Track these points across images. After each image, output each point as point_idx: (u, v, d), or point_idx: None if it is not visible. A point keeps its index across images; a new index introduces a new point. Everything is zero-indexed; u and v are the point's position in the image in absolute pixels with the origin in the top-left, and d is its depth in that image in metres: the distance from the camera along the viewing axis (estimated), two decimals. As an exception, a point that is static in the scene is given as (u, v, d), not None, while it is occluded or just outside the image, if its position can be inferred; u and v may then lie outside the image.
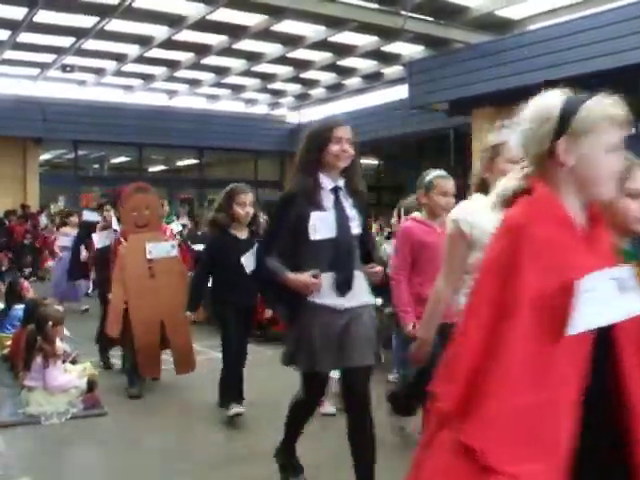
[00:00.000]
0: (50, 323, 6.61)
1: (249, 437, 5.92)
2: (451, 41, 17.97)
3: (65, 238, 13.33)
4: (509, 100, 15.26)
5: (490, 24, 17.50)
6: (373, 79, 23.11)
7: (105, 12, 16.19)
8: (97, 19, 16.66)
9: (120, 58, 20.47)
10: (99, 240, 8.90)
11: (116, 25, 17.20)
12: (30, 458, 5.54)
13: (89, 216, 11.33)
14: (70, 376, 6.62)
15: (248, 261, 6.03)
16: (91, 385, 6.61)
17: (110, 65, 21.30)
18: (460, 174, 19.70)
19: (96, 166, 27.99)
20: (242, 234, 6.49)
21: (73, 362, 7.01)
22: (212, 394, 7.36)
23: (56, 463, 5.43)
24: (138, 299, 7.39)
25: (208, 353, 9.32)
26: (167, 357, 7.87)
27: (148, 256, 7.40)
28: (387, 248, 8.06)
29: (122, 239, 7.64)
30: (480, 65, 16.00)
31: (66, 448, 5.73)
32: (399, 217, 7.58)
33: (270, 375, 7.47)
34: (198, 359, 8.92)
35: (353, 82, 23.82)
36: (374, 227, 14.06)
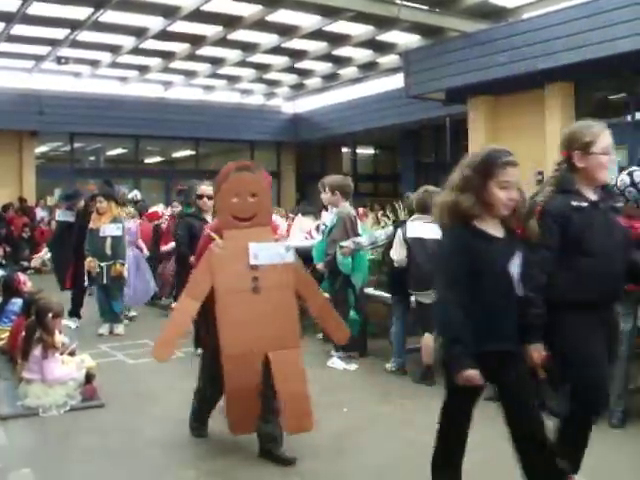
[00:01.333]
0: (50, 315, 6.62)
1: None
2: (446, 30, 17.93)
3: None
4: (504, 88, 15.47)
5: (485, 12, 17.48)
6: (368, 68, 23.06)
7: (99, 3, 16.13)
8: (91, 10, 16.60)
9: (115, 49, 20.40)
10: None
11: (111, 16, 17.14)
12: (29, 450, 5.56)
13: (63, 216, 11.35)
14: (68, 368, 6.63)
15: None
16: (89, 377, 6.62)
17: (105, 57, 21.23)
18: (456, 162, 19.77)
19: (92, 158, 27.92)
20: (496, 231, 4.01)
21: (71, 354, 7.01)
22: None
23: (55, 455, 5.44)
24: (234, 325, 5.15)
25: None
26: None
27: (252, 262, 5.17)
28: (382, 234, 8.07)
29: (213, 234, 5.36)
30: (475, 53, 16.01)
31: (65, 440, 5.74)
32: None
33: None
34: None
35: (349, 72, 23.76)
36: (371, 216, 14.04)
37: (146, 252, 11.95)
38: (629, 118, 15.47)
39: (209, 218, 7.94)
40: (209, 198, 7.71)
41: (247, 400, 5.19)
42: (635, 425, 5.73)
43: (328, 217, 9.13)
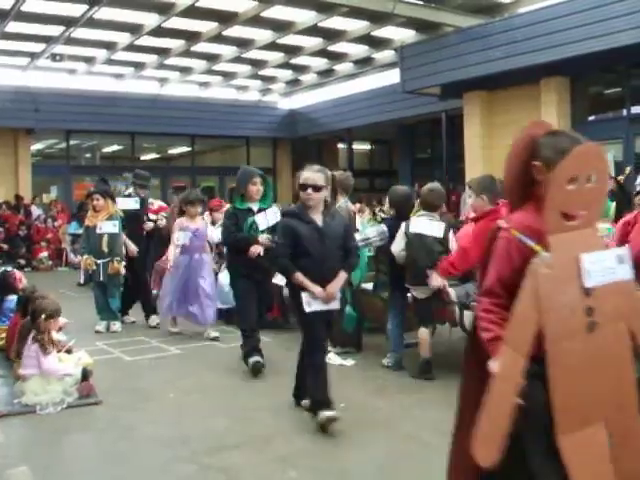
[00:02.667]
0: (43, 316, 6.60)
1: (246, 424, 5.94)
2: (442, 25, 17.92)
3: (182, 233, 9.55)
4: (500, 83, 15.50)
5: (480, 7, 17.48)
6: (364, 64, 23.05)
7: (94, 0, 16.11)
8: (86, 7, 16.56)
9: (110, 46, 20.37)
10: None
11: (105, 13, 17.11)
12: (27, 447, 5.56)
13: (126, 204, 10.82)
14: (65, 365, 6.62)
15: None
16: (86, 374, 6.61)
17: (100, 54, 21.21)
18: (452, 157, 19.81)
19: (88, 155, 27.88)
20: None
21: (68, 352, 7.01)
22: (209, 379, 7.41)
23: (52, 452, 5.44)
24: (571, 386, 3.25)
25: (204, 340, 9.37)
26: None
27: (587, 283, 3.26)
28: (372, 231, 8.09)
29: (533, 243, 3.24)
30: (471, 49, 16.03)
31: (62, 437, 5.74)
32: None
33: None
34: (195, 345, 9.01)
35: (344, 67, 23.75)
36: (367, 212, 14.06)
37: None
38: (624, 112, 15.49)
39: (318, 218, 5.86)
40: (316, 189, 5.75)
41: None
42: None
43: None
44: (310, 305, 5.66)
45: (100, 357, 8.12)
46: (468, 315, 6.91)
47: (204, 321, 9.49)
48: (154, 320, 10.45)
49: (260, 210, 7.68)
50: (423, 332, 7.28)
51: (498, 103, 17.08)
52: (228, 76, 24.93)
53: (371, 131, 26.14)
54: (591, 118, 16.60)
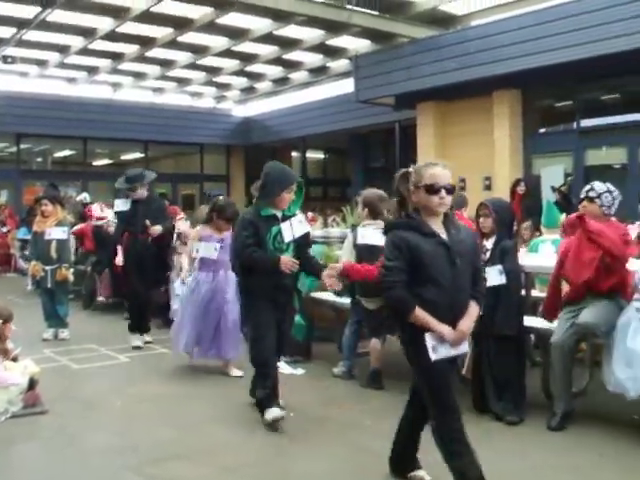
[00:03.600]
0: (0, 321, 6.50)
1: (194, 434, 5.89)
2: (396, 35, 18.07)
3: (204, 244, 7.98)
4: (453, 94, 15.67)
5: (435, 19, 17.65)
6: (319, 73, 23.15)
7: (47, 2, 15.95)
8: (39, 9, 16.41)
9: (63, 50, 20.21)
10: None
11: (59, 16, 16.97)
12: (-31, 457, 5.46)
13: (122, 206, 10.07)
14: (11, 374, 6.51)
15: None
16: (32, 383, 6.50)
17: (53, 57, 21.02)
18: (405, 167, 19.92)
19: (39, 160, 27.52)
20: None
21: (14, 360, 6.88)
22: (158, 388, 7.34)
23: (-4, 462, 5.35)
24: None
25: (154, 348, 9.29)
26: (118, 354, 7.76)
27: None
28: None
29: None
30: (425, 60, 16.13)
31: (7, 447, 5.63)
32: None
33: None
34: (145, 354, 8.92)
35: (299, 76, 23.82)
36: (319, 221, 14.05)
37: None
38: (575, 125, 15.70)
39: (440, 230, 4.30)
40: (450, 192, 4.23)
41: None
42: (575, 428, 5.80)
43: None
44: (437, 351, 4.18)
45: (47, 365, 7.99)
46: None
47: (225, 354, 7.86)
48: (134, 341, 9.38)
49: (285, 218, 6.16)
50: (374, 342, 7.29)
51: (451, 114, 17.21)
52: (182, 82, 24.86)
53: (325, 140, 26.18)
54: (542, 130, 16.79)
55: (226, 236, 7.77)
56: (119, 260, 9.64)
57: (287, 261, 5.95)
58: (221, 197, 8.14)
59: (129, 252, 9.40)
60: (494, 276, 5.93)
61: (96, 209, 13.66)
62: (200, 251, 7.89)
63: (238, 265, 6.25)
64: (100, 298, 12.63)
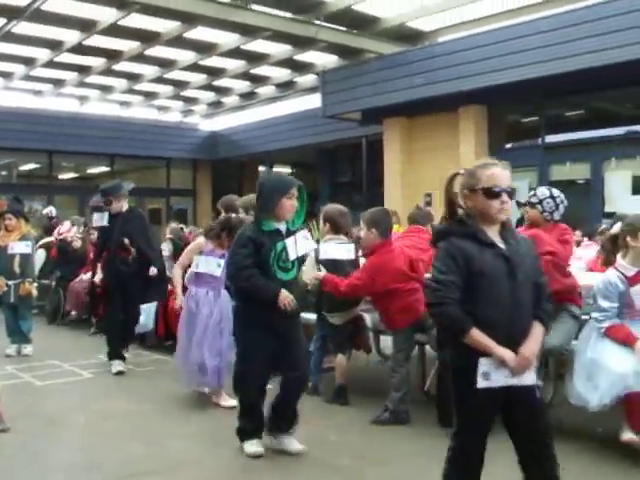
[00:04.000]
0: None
1: (159, 450, 5.84)
2: (363, 51, 18.16)
3: (204, 258, 7.27)
4: (420, 110, 15.73)
5: (402, 35, 17.76)
6: (286, 88, 23.19)
7: (13, 14, 15.83)
8: (4, 21, 16.29)
9: (29, 62, 20.07)
10: None
11: (25, 28, 16.85)
12: None
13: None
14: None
15: None
16: (-6, 399, 6.42)
17: (19, 69, 20.87)
18: (372, 182, 19.98)
19: (4, 173, 27.25)
20: None
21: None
22: (123, 404, 7.27)
23: (-44, 480, 5.26)
24: None
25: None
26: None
27: None
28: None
29: None
30: (391, 75, 16.24)
31: (-33, 464, 5.56)
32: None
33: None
34: (110, 370, 8.82)
35: (266, 90, 23.85)
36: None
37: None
38: (540, 141, 15.85)
39: (497, 240, 3.74)
40: (511, 195, 3.74)
41: None
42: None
43: None
44: (488, 378, 3.60)
45: (9, 382, 7.91)
46: (385, 340, 6.91)
47: (220, 384, 7.08)
48: (116, 366, 8.64)
49: (289, 233, 5.53)
50: (340, 358, 7.27)
51: (418, 130, 17.30)
52: (149, 96, 24.78)
53: (292, 154, 26.19)
54: (508, 146, 16.94)
55: (226, 250, 6.99)
56: (97, 279, 8.94)
57: (286, 299, 5.31)
58: (234, 215, 7.46)
59: (108, 271, 8.73)
60: None
61: (66, 225, 13.56)
62: (200, 265, 7.17)
63: (234, 288, 5.83)
64: (73, 313, 12.48)
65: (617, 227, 5.76)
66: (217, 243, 7.19)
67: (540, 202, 6.05)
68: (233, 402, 6.59)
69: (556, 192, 6.10)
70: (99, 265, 8.99)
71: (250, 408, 5.60)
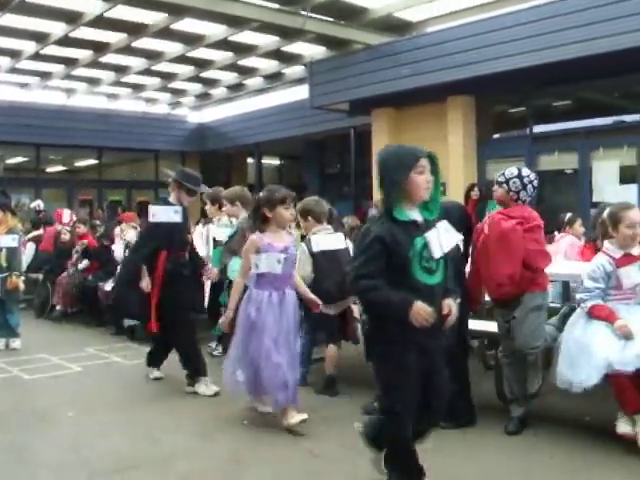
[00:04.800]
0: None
1: (148, 443, 5.83)
2: (351, 42, 18.10)
3: (265, 256, 6.05)
4: (408, 101, 15.72)
5: (389, 26, 17.70)
6: (274, 79, 23.11)
7: (-2, 6, 15.74)
8: (-11, 14, 16.19)
9: (15, 55, 19.93)
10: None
11: (10, 20, 16.71)
12: None
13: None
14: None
15: None
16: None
17: (4, 62, 20.71)
18: (361, 173, 19.97)
19: (-9, 166, 27.18)
20: None
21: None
22: (111, 398, 7.26)
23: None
24: None
25: (107, 357, 9.20)
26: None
27: None
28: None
29: None
30: (379, 66, 16.21)
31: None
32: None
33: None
34: (98, 362, 8.82)
35: (254, 82, 23.76)
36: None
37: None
38: (527, 131, 15.87)
39: None
40: None
41: None
42: (528, 431, 5.84)
43: (215, 229, 9.28)
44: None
45: (-3, 376, 7.91)
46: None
47: (294, 401, 6.11)
48: (210, 387, 7.26)
49: (428, 224, 4.22)
50: (331, 348, 7.28)
51: (406, 120, 17.29)
52: (137, 88, 24.66)
53: (280, 146, 26.15)
54: (496, 136, 16.96)
55: (289, 242, 6.19)
56: (146, 285, 7.34)
57: (422, 312, 3.93)
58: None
59: (173, 277, 7.37)
60: None
61: (66, 215, 13.55)
62: (261, 265, 6.01)
63: (362, 302, 4.82)
64: (58, 307, 12.41)
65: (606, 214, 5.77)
66: (270, 231, 6.08)
67: (507, 181, 5.82)
68: (304, 415, 5.99)
69: (526, 172, 5.88)
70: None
71: (408, 456, 4.36)
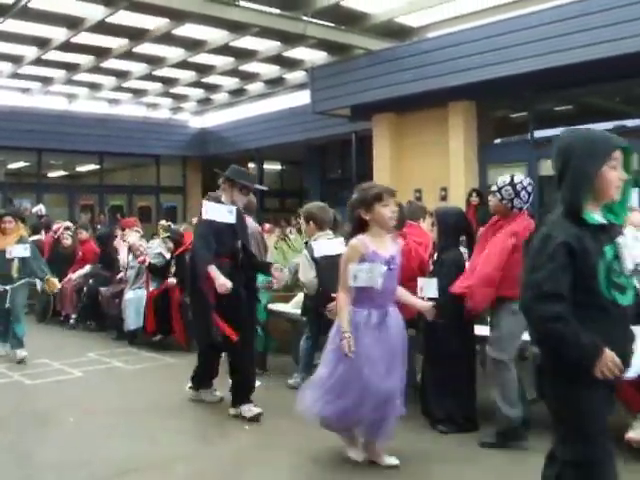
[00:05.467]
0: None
1: (148, 447, 5.83)
2: (352, 47, 18.12)
3: (366, 267, 5.15)
4: (409, 106, 15.74)
5: (390, 31, 17.73)
6: (275, 84, 23.15)
7: (0, 11, 15.75)
8: (-9, 19, 16.22)
9: (17, 60, 19.97)
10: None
11: (12, 25, 16.75)
12: None
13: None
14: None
15: None
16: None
17: (6, 67, 20.75)
18: (362, 178, 19.96)
19: (-8, 171, 27.22)
20: None
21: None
22: (112, 402, 7.26)
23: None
24: None
25: (108, 362, 9.20)
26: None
27: None
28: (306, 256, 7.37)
29: None
30: (380, 71, 16.24)
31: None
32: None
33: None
34: (99, 368, 8.81)
35: (255, 87, 23.80)
36: (276, 232, 14.04)
37: None
38: (529, 136, 15.88)
39: None
40: None
41: None
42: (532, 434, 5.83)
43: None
44: None
45: (-1, 381, 7.91)
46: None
47: (390, 435, 5.27)
48: (252, 410, 6.52)
49: (614, 230, 3.37)
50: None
51: (407, 125, 17.30)
52: (138, 93, 24.70)
53: (282, 151, 26.18)
54: (497, 141, 16.98)
55: (394, 250, 5.27)
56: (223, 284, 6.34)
57: (609, 363, 3.11)
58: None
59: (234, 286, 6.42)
60: (431, 289, 5.77)
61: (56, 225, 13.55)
62: (359, 278, 5.06)
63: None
64: (72, 316, 12.30)
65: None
66: (372, 236, 5.18)
67: (499, 190, 5.65)
68: (396, 461, 5.23)
69: (518, 178, 5.67)
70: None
71: None
